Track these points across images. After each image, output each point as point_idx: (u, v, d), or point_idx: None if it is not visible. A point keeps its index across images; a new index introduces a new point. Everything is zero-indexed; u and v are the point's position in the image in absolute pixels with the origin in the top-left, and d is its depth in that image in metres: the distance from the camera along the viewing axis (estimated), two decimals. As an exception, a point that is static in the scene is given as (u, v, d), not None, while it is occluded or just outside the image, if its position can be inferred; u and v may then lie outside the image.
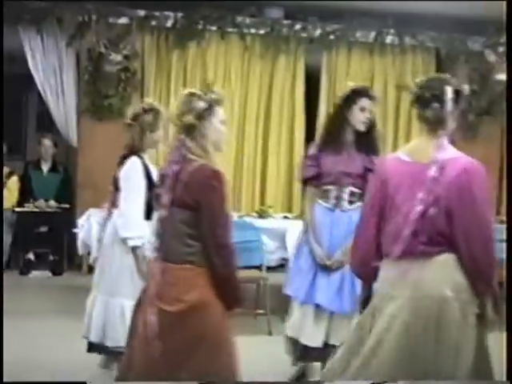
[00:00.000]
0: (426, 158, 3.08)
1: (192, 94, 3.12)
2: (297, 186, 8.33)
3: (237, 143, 8.30)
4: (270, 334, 6.06)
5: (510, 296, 3.33)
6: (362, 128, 4.53)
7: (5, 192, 8.11)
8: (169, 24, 8.02)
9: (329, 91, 8.49)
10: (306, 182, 4.62)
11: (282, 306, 5.77)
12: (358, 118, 4.52)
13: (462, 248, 3.03)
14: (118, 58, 7.73)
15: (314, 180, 4.57)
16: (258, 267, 6.47)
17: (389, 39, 8.49)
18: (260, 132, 8.38)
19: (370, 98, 4.57)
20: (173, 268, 3.06)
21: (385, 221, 3.19)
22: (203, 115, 3.08)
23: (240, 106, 8.31)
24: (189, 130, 3.07)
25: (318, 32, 8.30)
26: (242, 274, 6.28)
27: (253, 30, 8.21)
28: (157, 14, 7.96)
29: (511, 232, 3.60)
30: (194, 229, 3.02)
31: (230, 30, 8.20)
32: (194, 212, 3.00)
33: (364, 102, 4.53)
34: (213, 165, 3.04)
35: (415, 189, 3.05)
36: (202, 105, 3.08)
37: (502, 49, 8.56)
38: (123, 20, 7.85)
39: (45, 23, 7.69)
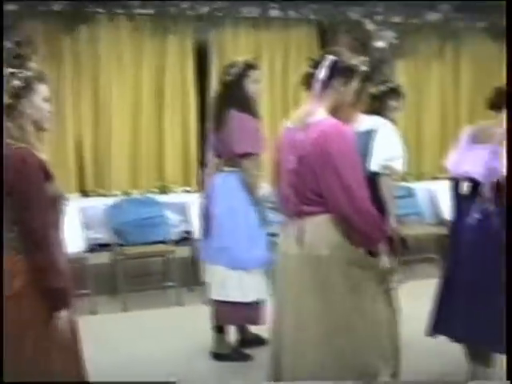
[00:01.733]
0: (301, 122, 3.36)
1: (10, 74, 3.00)
2: (193, 161, 8.62)
3: (133, 123, 8.47)
4: (180, 305, 6.35)
5: (509, 297, 3.55)
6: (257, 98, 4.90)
7: None
8: (58, 8, 8.05)
9: (219, 67, 8.73)
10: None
11: (189, 277, 6.10)
12: (253, 90, 4.86)
13: (330, 207, 3.26)
14: (9, 44, 7.75)
15: None
16: (163, 241, 6.76)
17: (273, 14, 8.78)
18: (155, 111, 8.54)
19: (259, 69, 4.93)
20: (6, 254, 2.96)
21: (279, 184, 3.52)
22: (21, 94, 2.97)
23: (134, 86, 8.44)
24: (7, 111, 2.96)
25: (205, 10, 8.51)
26: (149, 248, 6.64)
27: (141, 11, 8.33)
28: (45, -2, 8.00)
29: (511, 226, 3.90)
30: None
31: (118, 11, 8.29)
32: (11, 197, 2.91)
33: (255, 73, 4.88)
34: (30, 145, 2.95)
35: (290, 152, 3.34)
36: (17, 83, 2.97)
37: (379, 18, 9.05)
38: (11, 7, 7.85)
39: None
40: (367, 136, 5.25)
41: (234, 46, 8.78)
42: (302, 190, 3.32)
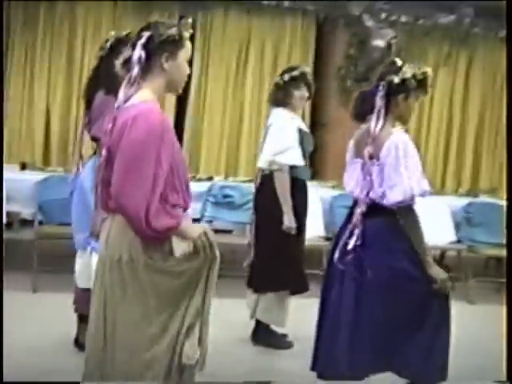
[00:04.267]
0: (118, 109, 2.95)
1: None
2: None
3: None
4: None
5: (509, 294, 3.25)
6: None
7: None
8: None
9: (204, 52, 8.42)
10: None
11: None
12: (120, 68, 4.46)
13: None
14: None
15: None
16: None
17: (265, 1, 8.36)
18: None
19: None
20: None
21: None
22: None
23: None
24: None
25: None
26: (67, 229, 6.24)
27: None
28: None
29: (510, 226, 3.51)
30: None
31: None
32: None
33: (127, 51, 4.47)
34: None
35: (104, 141, 2.95)
36: None
37: (383, 14, 8.50)
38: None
39: None
40: (265, 132, 4.95)
41: (221, 32, 8.38)
42: (108, 183, 2.91)
